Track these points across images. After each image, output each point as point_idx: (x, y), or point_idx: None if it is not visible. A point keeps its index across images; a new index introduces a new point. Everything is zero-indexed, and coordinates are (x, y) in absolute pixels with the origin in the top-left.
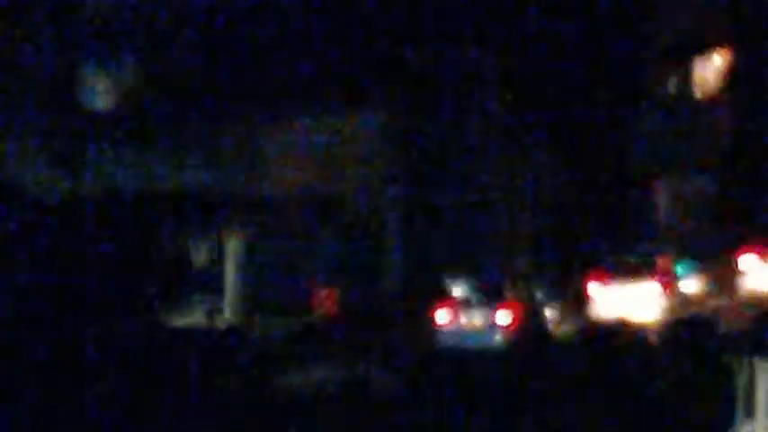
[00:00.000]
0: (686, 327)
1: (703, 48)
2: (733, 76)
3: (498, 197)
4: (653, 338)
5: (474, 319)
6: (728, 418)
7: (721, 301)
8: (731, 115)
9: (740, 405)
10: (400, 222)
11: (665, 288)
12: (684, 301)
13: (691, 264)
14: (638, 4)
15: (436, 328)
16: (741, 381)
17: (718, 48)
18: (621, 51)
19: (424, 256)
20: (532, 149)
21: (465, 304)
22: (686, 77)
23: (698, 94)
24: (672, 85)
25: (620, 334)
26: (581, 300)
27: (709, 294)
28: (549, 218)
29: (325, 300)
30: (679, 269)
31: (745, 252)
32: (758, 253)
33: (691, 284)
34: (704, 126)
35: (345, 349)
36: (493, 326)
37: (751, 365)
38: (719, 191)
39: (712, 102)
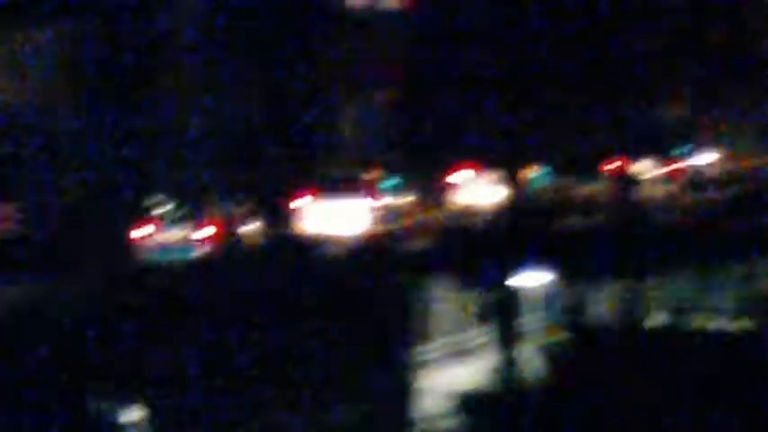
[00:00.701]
0: (364, 244)
1: None
2: None
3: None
4: (338, 251)
5: (172, 235)
6: (400, 338)
7: (427, 217)
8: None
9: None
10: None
11: (369, 203)
12: (389, 216)
13: (397, 180)
14: None
15: (133, 244)
16: (414, 299)
17: None
18: None
19: (121, 175)
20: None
21: (163, 222)
22: None
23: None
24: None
25: (309, 246)
26: (280, 216)
27: (415, 211)
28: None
29: (4, 217)
30: (385, 185)
31: (457, 168)
32: (470, 168)
33: (397, 200)
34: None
35: (29, 267)
36: (189, 241)
37: (420, 284)
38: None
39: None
